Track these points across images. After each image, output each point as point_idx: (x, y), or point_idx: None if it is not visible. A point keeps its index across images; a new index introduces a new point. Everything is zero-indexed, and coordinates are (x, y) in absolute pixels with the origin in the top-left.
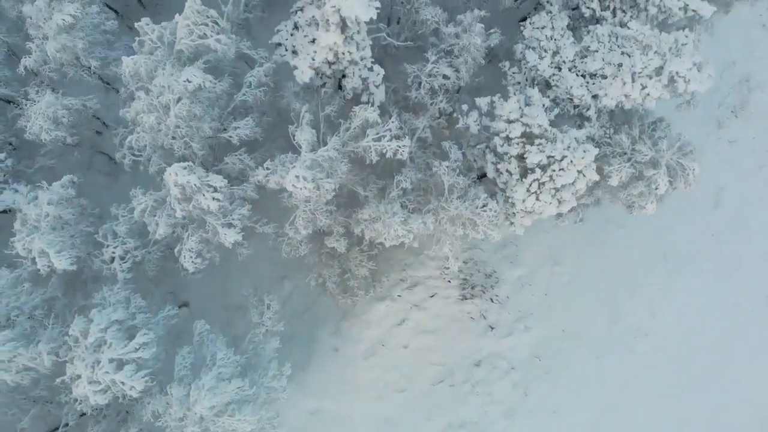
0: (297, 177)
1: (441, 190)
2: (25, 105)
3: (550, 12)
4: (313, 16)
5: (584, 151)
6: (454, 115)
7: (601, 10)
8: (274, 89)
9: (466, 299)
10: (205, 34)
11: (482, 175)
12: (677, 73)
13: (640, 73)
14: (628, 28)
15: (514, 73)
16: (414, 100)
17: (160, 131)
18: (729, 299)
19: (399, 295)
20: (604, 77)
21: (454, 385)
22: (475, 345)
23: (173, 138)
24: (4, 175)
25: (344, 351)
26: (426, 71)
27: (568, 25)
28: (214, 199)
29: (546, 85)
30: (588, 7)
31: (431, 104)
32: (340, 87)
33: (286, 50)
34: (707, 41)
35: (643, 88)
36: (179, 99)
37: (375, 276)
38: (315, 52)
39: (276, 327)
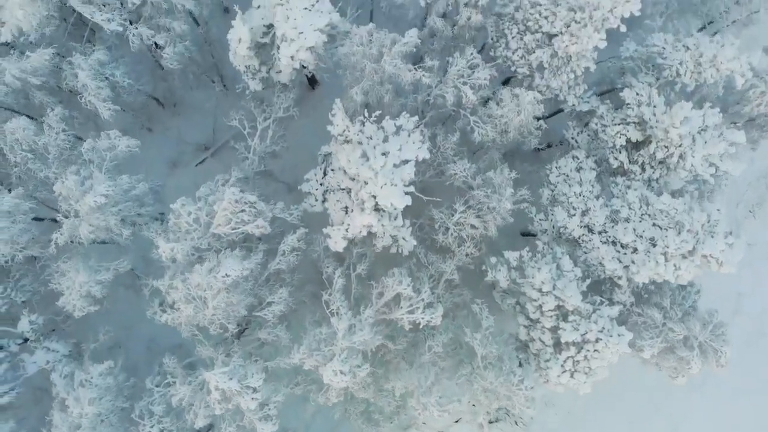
0: (335, 372)
1: (473, 353)
2: (57, 275)
3: (577, 158)
4: (348, 190)
5: (619, 335)
6: (483, 268)
7: (630, 163)
8: (306, 247)
9: (491, 422)
10: (243, 220)
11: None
12: (710, 255)
13: (673, 254)
14: (658, 195)
15: (540, 220)
16: (441, 243)
17: (197, 317)
18: (750, 412)
19: (424, 423)
20: (636, 250)
21: None
22: None
23: (210, 323)
24: (36, 334)
25: None
26: (453, 220)
27: (596, 177)
28: (252, 398)
29: (575, 243)
30: (616, 159)
31: (458, 250)
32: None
33: (317, 200)
34: None
35: (676, 269)
36: (218, 292)
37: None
38: (349, 225)
39: None
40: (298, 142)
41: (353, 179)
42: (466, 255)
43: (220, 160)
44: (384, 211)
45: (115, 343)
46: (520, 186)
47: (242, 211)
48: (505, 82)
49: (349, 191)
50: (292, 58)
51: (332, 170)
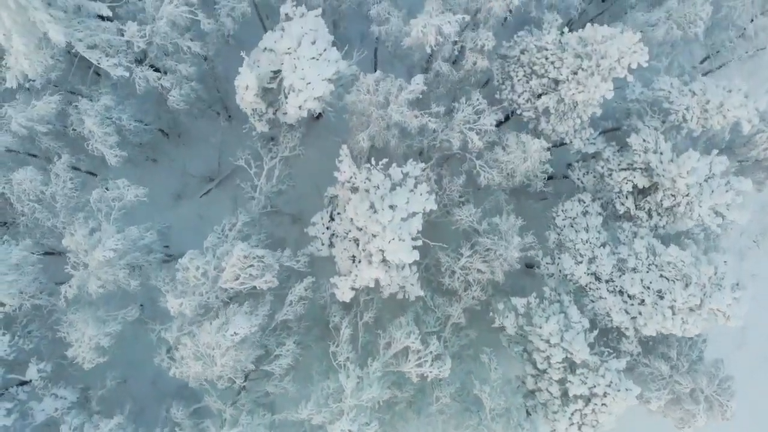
0: (342, 431)
1: (480, 401)
2: (65, 325)
3: (583, 201)
4: (356, 240)
5: (627, 390)
6: (490, 312)
7: (636, 209)
8: (313, 295)
9: None
10: (251, 275)
11: None
12: (717, 309)
13: (680, 308)
14: (665, 242)
15: (547, 263)
16: (448, 286)
17: (205, 373)
18: None
19: None
20: (643, 302)
21: None
22: None
23: (218, 378)
24: (44, 381)
25: None
26: (460, 264)
27: (602, 223)
28: None
29: (582, 290)
30: (623, 204)
31: (465, 294)
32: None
33: (323, 244)
34: None
35: (684, 322)
36: (226, 350)
37: None
38: (356, 276)
39: None
40: (302, 172)
41: (361, 229)
42: (473, 298)
43: (225, 190)
44: (393, 266)
45: (122, 378)
46: (526, 229)
47: (250, 266)
48: (507, 118)
49: (356, 241)
50: (300, 107)
51: (338, 214)
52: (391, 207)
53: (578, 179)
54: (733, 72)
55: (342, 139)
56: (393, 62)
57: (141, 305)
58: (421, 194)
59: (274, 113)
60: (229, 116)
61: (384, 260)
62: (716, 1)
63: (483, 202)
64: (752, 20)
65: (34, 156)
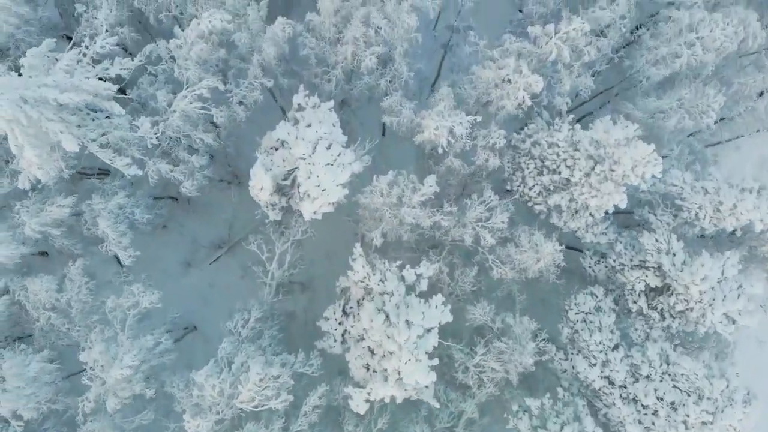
0: None
1: None
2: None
3: (595, 295)
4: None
5: None
6: (504, 414)
7: (649, 309)
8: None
9: None
10: (266, 396)
11: None
12: (729, 424)
13: (693, 423)
14: (678, 350)
15: (560, 359)
16: (461, 381)
17: None
18: None
19: None
20: (656, 413)
21: None
22: None
23: None
24: None
25: None
26: (473, 362)
27: (615, 321)
28: None
29: (595, 394)
30: (635, 302)
31: (479, 391)
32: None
33: (335, 341)
34: None
35: None
36: None
37: None
38: (371, 389)
39: None
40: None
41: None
42: (487, 395)
43: (235, 257)
44: (407, 386)
45: None
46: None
47: (266, 387)
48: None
49: (371, 350)
50: (314, 213)
51: (351, 308)
52: (408, 323)
53: (590, 267)
54: (743, 145)
55: (352, 218)
56: (403, 144)
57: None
58: (436, 307)
59: (287, 202)
60: (239, 182)
61: (400, 378)
62: (728, 79)
63: (495, 290)
64: (761, 94)
65: (45, 253)
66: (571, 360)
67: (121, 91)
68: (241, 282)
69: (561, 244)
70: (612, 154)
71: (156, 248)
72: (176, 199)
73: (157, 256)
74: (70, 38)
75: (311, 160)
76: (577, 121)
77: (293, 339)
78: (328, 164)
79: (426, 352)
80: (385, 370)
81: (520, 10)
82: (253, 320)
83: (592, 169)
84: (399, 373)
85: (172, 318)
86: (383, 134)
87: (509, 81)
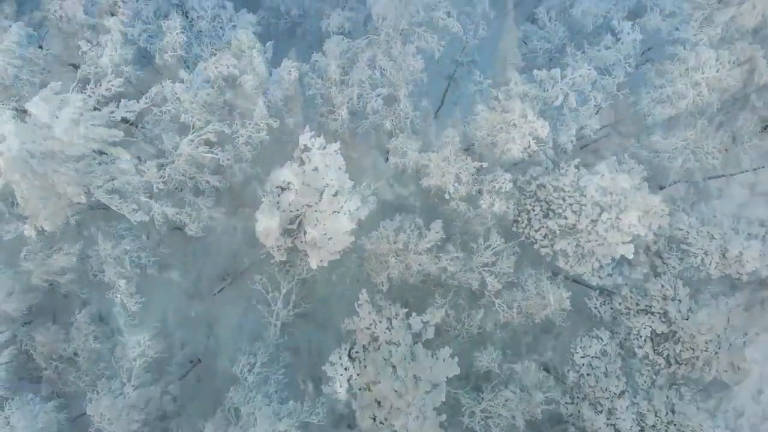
0: None
1: None
2: None
3: (601, 339)
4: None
5: None
6: None
7: (654, 354)
8: None
9: None
10: None
11: None
12: None
13: None
14: (684, 403)
15: (567, 403)
16: (467, 425)
17: None
18: None
19: None
20: None
21: None
22: None
23: None
24: None
25: None
26: (480, 407)
27: (620, 366)
28: None
29: None
30: (641, 348)
31: None
32: None
33: (340, 387)
34: None
35: None
36: None
37: None
38: None
39: None
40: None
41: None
42: None
43: (238, 288)
44: None
45: None
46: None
47: None
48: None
49: (379, 403)
50: (321, 261)
51: (357, 353)
52: (415, 378)
53: (595, 308)
54: (746, 181)
55: (357, 255)
56: (408, 182)
57: None
58: (444, 360)
59: (293, 242)
60: (246, 215)
61: None
62: (731, 118)
63: (502, 331)
64: (766, 128)
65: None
66: (577, 404)
67: (125, 120)
68: (245, 315)
69: (568, 291)
70: (618, 202)
71: (159, 280)
72: (181, 229)
73: (162, 288)
74: (77, 67)
75: (318, 208)
76: (581, 148)
77: (298, 370)
78: (335, 212)
79: (434, 408)
80: (393, 424)
81: (525, 42)
82: (259, 365)
83: (599, 215)
84: (407, 431)
85: (177, 361)
86: (386, 160)
87: (515, 125)
